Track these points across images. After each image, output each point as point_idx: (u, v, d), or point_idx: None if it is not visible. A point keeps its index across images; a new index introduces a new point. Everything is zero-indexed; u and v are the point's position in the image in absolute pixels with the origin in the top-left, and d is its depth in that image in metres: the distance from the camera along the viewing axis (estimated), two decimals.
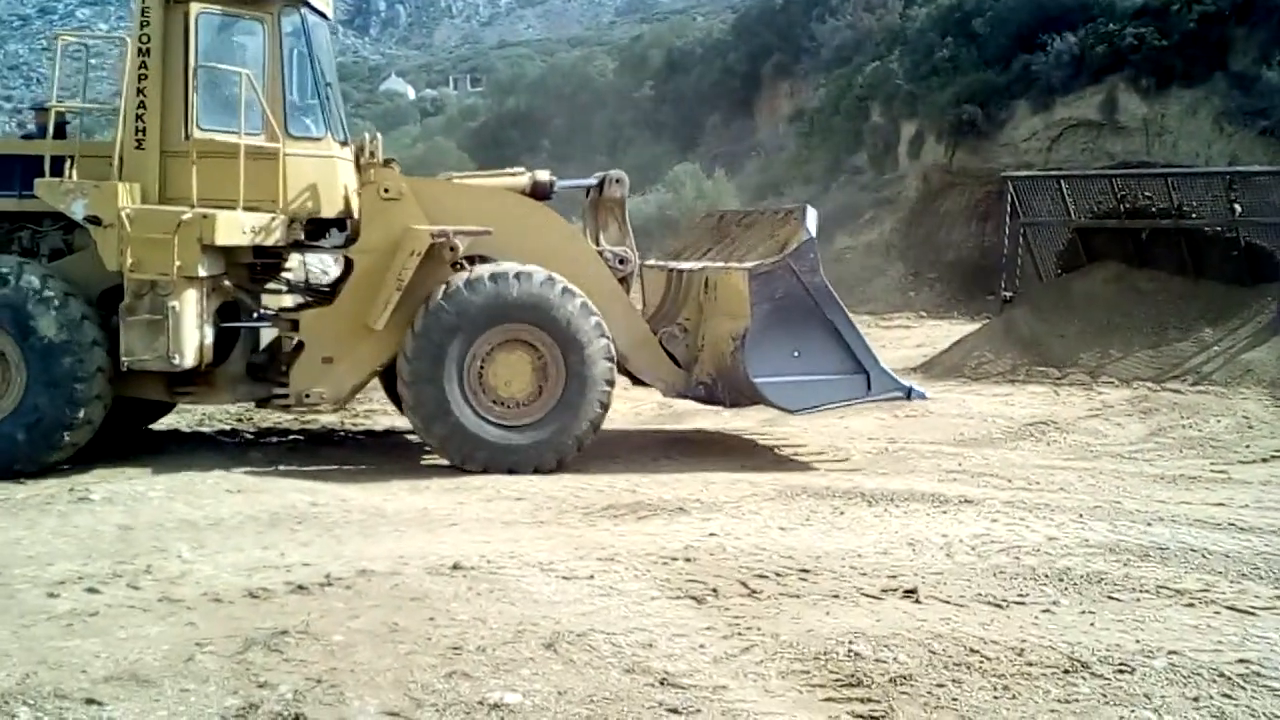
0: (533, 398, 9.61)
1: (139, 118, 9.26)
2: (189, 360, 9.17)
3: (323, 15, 10.38)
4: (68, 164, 9.21)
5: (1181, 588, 6.17)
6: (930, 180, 33.74)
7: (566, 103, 56.33)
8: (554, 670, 4.75)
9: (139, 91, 9.26)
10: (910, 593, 5.96)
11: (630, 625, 5.31)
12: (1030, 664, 4.94)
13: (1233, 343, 16.84)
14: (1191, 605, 5.87)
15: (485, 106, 71.52)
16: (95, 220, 9.03)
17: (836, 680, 4.75)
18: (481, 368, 9.51)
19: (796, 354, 9.76)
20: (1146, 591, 6.10)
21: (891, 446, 10.75)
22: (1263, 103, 27.14)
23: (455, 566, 6.19)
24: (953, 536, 7.19)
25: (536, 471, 9.35)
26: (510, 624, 5.26)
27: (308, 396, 9.58)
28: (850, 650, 5.02)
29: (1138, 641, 5.26)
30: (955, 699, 4.58)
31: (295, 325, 9.71)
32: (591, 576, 6.11)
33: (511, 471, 9.28)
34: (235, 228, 9.22)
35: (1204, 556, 6.86)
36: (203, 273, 9.15)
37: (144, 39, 9.27)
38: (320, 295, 10.37)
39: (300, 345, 9.61)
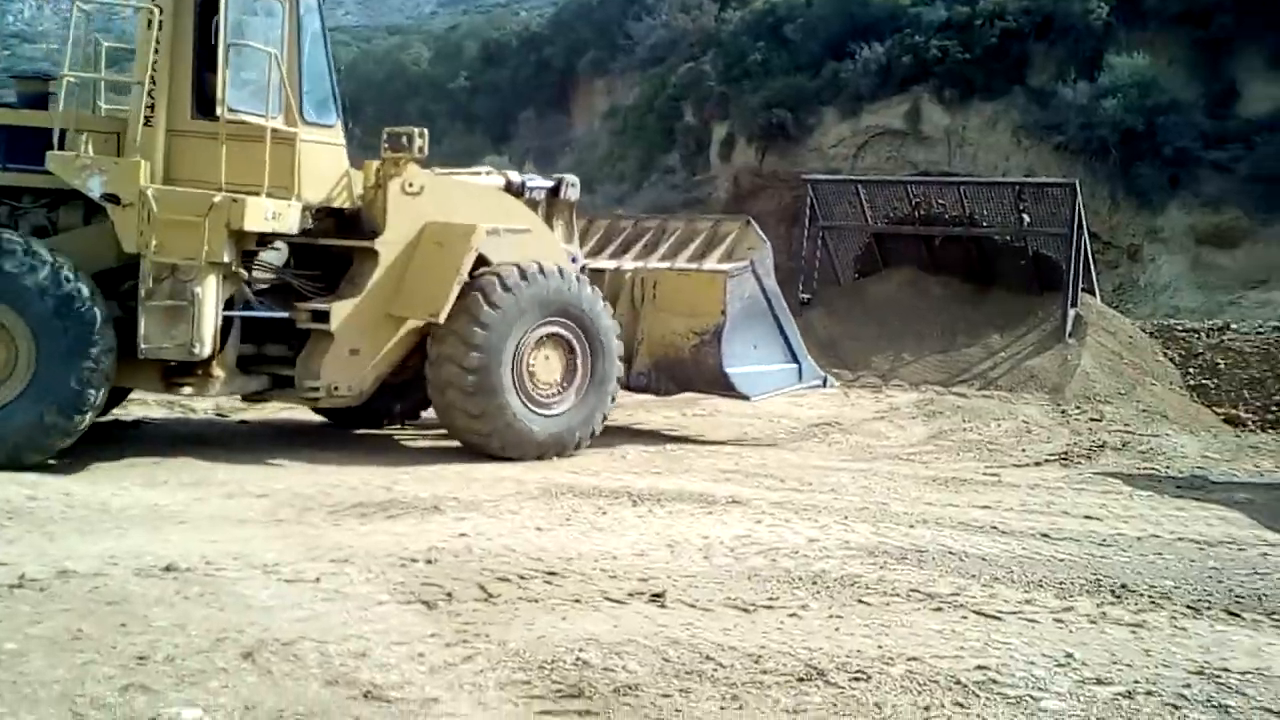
0: (564, 386, 10.07)
1: (149, 94, 8.70)
2: (207, 349, 8.78)
3: None
4: (56, 136, 8.60)
5: (933, 591, 6.05)
6: (740, 182, 33.99)
7: (378, 90, 55.01)
8: (247, 682, 4.30)
9: (150, 66, 8.69)
10: (657, 596, 5.69)
11: (347, 632, 4.89)
12: (765, 672, 4.69)
13: (1019, 349, 17.28)
14: (940, 610, 5.74)
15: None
16: (113, 199, 8.52)
17: (558, 691, 4.42)
18: (530, 359, 9.83)
19: (755, 346, 11.29)
20: (898, 595, 5.95)
21: (671, 446, 10.54)
22: (1058, 118, 28.07)
23: (168, 568, 5.67)
24: (714, 538, 6.98)
25: (558, 456, 9.90)
26: (212, 631, 4.79)
27: (335, 389, 9.46)
28: (578, 659, 4.70)
29: (880, 647, 5.08)
30: (679, 710, 4.29)
31: (319, 316, 9.42)
32: (318, 579, 5.67)
33: (539, 458, 9.76)
34: (260, 213, 8.83)
35: (960, 559, 6.79)
36: (226, 258, 8.79)
37: (156, 11, 8.69)
38: (313, 285, 9.79)
39: (329, 337, 9.38)
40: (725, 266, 11.16)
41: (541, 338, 9.91)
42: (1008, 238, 18.20)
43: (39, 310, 8.15)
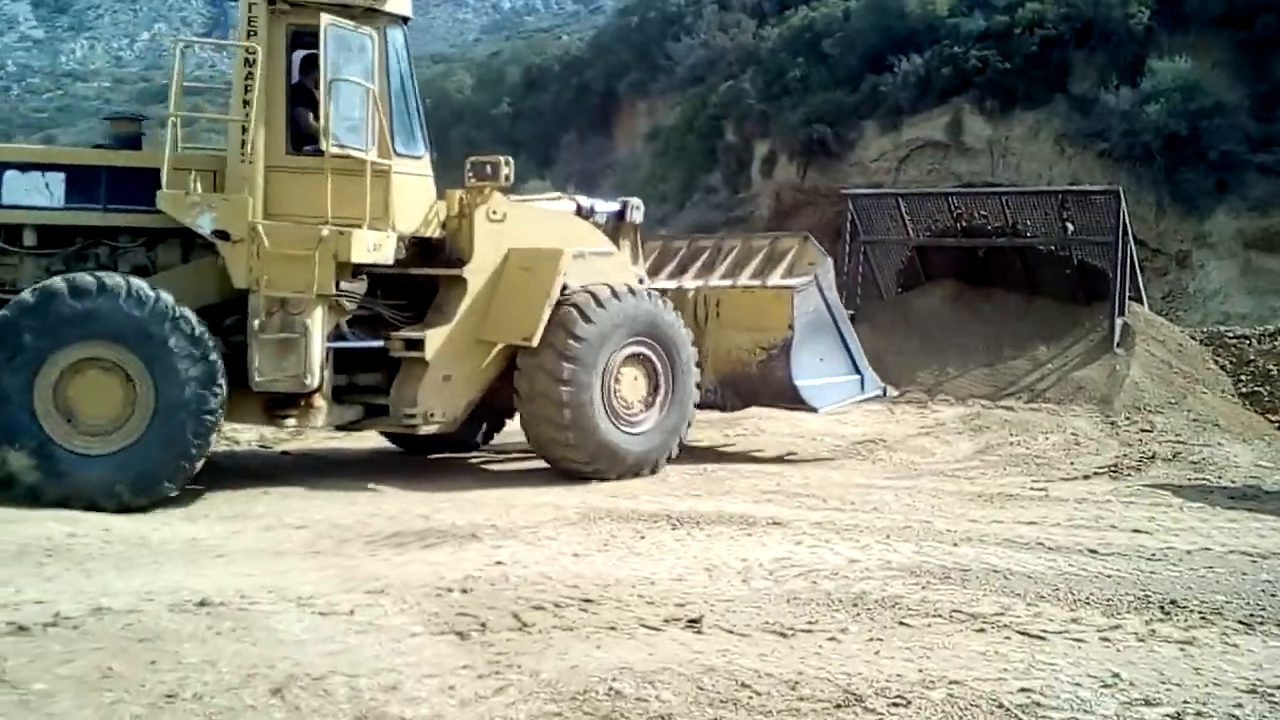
0: (648, 405, 10.32)
1: (244, 130, 8.85)
2: (316, 380, 9.04)
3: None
4: (165, 175, 8.68)
5: (976, 611, 5.93)
6: (782, 199, 33.93)
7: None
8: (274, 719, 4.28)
9: (244, 104, 8.85)
10: (694, 622, 5.61)
11: (379, 666, 4.85)
12: (802, 699, 4.61)
13: (1065, 361, 17.03)
14: (983, 630, 5.62)
15: None
16: (224, 235, 8.75)
17: None
18: (617, 378, 10.08)
19: (821, 359, 11.65)
20: (940, 616, 5.84)
21: (713, 467, 10.47)
22: (1101, 125, 27.81)
23: (202, 603, 5.66)
24: (753, 561, 6.89)
25: (636, 476, 10.09)
26: (243, 667, 4.76)
27: (431, 415, 9.67)
28: (611, 688, 4.63)
29: (920, 671, 4.98)
30: None
31: (413, 344, 9.64)
32: (352, 612, 5.63)
33: (624, 477, 10.00)
34: (364, 246, 9.09)
35: (1005, 578, 6.66)
36: (332, 290, 9.07)
37: (250, 51, 8.89)
38: (401, 314, 9.98)
39: (424, 364, 9.60)
40: (791, 282, 11.56)
41: (628, 357, 10.14)
42: (1052, 247, 17.94)
43: (160, 354, 8.21)
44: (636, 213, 11.73)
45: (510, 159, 9.98)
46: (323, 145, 8.89)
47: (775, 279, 11.80)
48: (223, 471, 9.76)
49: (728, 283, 12.02)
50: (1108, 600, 6.23)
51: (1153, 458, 12.16)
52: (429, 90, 61.37)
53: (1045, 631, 5.62)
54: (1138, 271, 18.49)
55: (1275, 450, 13.18)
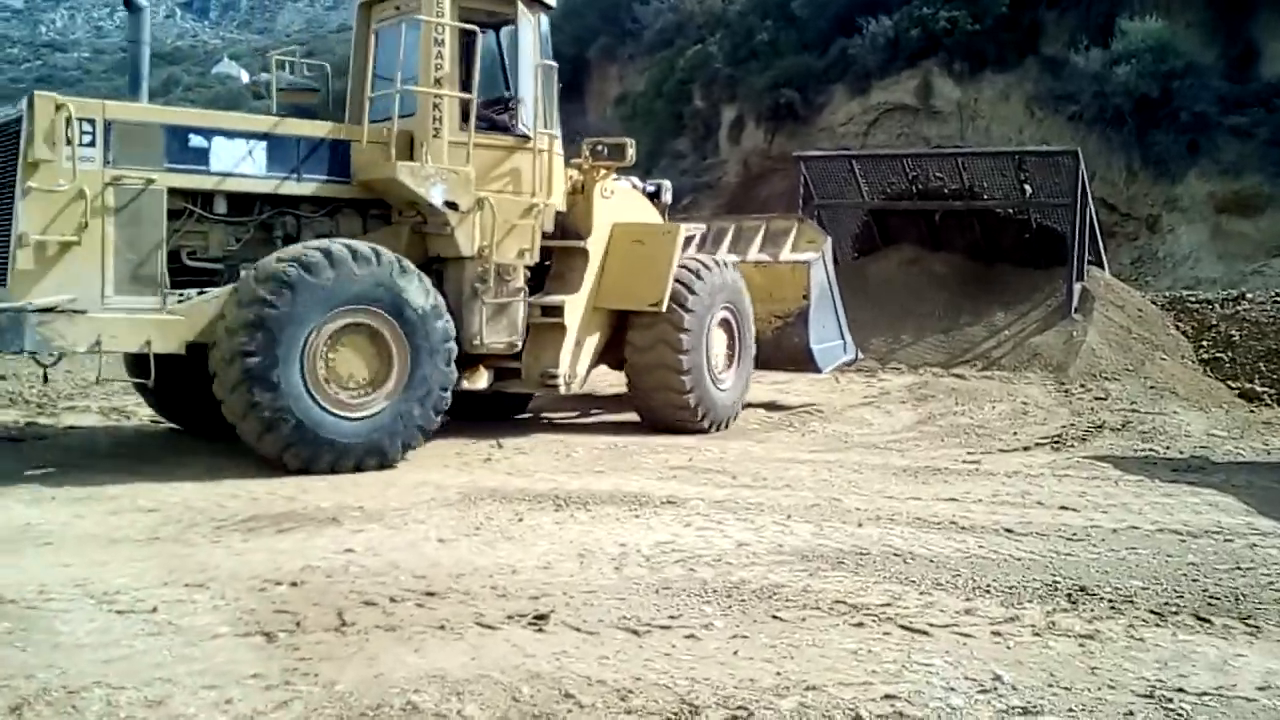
0: (729, 364, 11.59)
1: (435, 107, 9.40)
2: (521, 343, 10.11)
3: None
4: (364, 144, 9.34)
5: (861, 602, 5.35)
6: (750, 165, 33.27)
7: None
8: None
9: (436, 81, 9.40)
10: (541, 619, 5.02)
11: (156, 675, 4.25)
12: (630, 711, 4.02)
13: (1023, 327, 16.52)
14: (861, 625, 5.03)
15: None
16: (453, 205, 9.48)
17: None
18: (712, 340, 11.25)
19: (824, 326, 13.04)
20: (818, 609, 5.25)
21: (625, 441, 9.87)
22: (1072, 87, 27.15)
23: None
24: (632, 545, 6.30)
25: (725, 428, 11.35)
26: None
27: (570, 378, 10.48)
28: (409, 702, 4.03)
29: (778, 674, 4.40)
30: None
31: (551, 311, 10.40)
32: (155, 609, 5.02)
33: (725, 427, 11.35)
34: (551, 218, 10.30)
35: (904, 562, 6.09)
36: (537, 258, 10.20)
37: (439, 30, 9.45)
38: None
39: (562, 329, 10.38)
40: (806, 256, 12.91)
41: (719, 322, 11.39)
42: (1010, 210, 17.38)
43: (412, 317, 8.73)
44: (667, 194, 12.68)
45: (633, 141, 10.97)
46: (523, 126, 9.95)
47: (786, 255, 13.05)
48: (99, 450, 9.16)
49: (737, 258, 12.87)
50: (1010, 588, 5.65)
51: (1100, 427, 11.62)
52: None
53: (931, 625, 5.04)
54: (1098, 235, 17.93)
55: (1231, 419, 12.66)
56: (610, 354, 11.10)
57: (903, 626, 5.02)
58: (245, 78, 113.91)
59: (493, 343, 9.78)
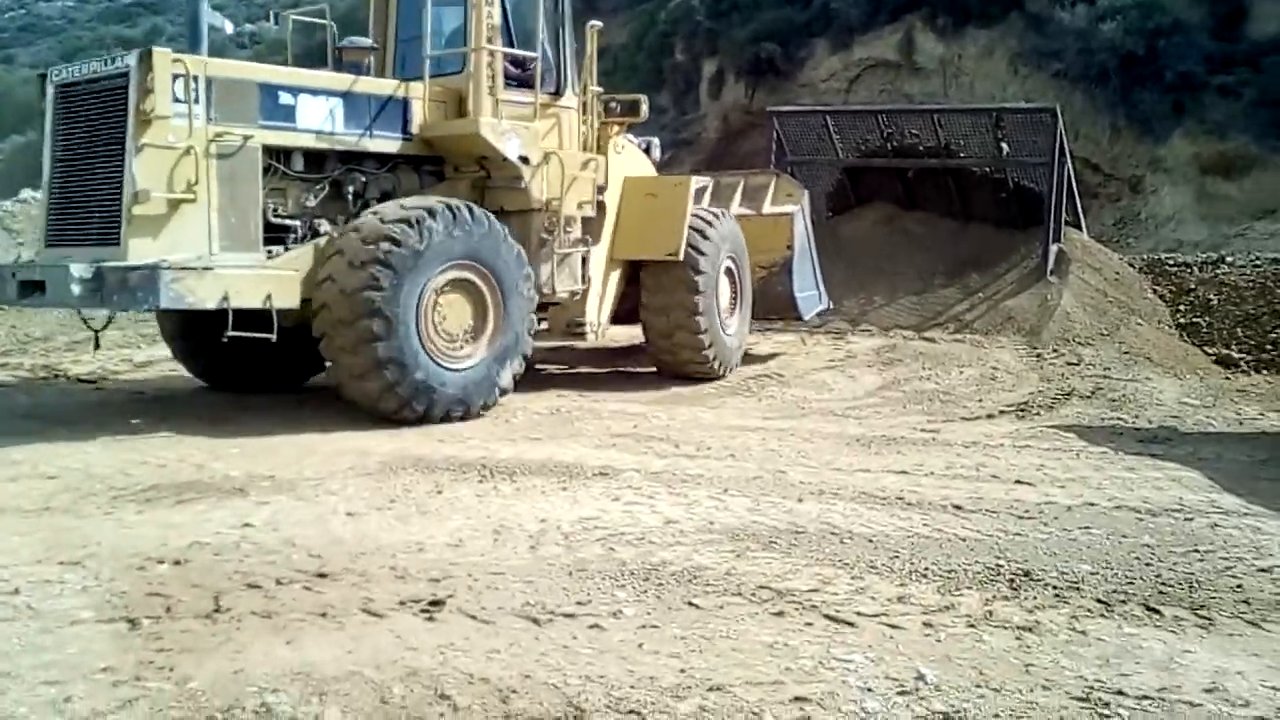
0: (732, 310, 12.12)
1: (489, 65, 9.64)
2: (582, 291, 10.61)
3: None
4: (413, 105, 9.67)
5: (787, 587, 4.96)
6: (730, 121, 32.70)
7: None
8: None
9: (488, 40, 9.61)
10: (435, 605, 4.62)
11: None
12: (509, 716, 3.64)
13: (998, 289, 16.15)
14: (782, 614, 4.64)
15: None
16: (525, 160, 9.87)
17: None
18: (718, 290, 11.72)
19: (804, 276, 13.48)
20: (740, 595, 4.86)
21: (570, 406, 9.46)
22: (1056, 44, 26.66)
23: None
24: (553, 521, 5.91)
25: (730, 372, 11.90)
26: None
27: (596, 326, 10.89)
28: (263, 703, 3.64)
29: (682, 671, 4.02)
30: None
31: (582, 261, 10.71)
32: (16, 590, 4.63)
33: (731, 372, 11.92)
34: (604, 171, 10.85)
35: (840, 542, 5.70)
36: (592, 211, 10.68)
37: None
38: None
39: (588, 280, 10.71)
40: (788, 209, 13.33)
41: (724, 270, 11.81)
42: (987, 169, 16.91)
43: (506, 273, 9.13)
44: (656, 151, 13.00)
45: (646, 98, 11.20)
46: (579, 87, 10.51)
47: (768, 208, 13.43)
48: (18, 409, 8.74)
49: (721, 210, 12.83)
50: (949, 571, 5.26)
51: (1069, 394, 11.24)
52: None
53: (859, 615, 4.65)
54: (1075, 195, 17.50)
55: (1205, 386, 12.28)
56: (620, 305, 11.45)
57: (827, 616, 4.64)
58: (230, 28, 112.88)
59: (561, 291, 10.28)
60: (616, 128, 11.08)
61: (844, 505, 6.43)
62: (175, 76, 8.03)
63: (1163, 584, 5.20)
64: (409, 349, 8.40)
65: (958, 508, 6.49)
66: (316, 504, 6.18)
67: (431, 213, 8.63)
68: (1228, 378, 13.20)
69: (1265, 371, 13.58)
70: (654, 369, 11.92)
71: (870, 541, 5.73)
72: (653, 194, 11.35)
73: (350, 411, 9.02)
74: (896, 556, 5.47)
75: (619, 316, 11.61)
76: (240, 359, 9.61)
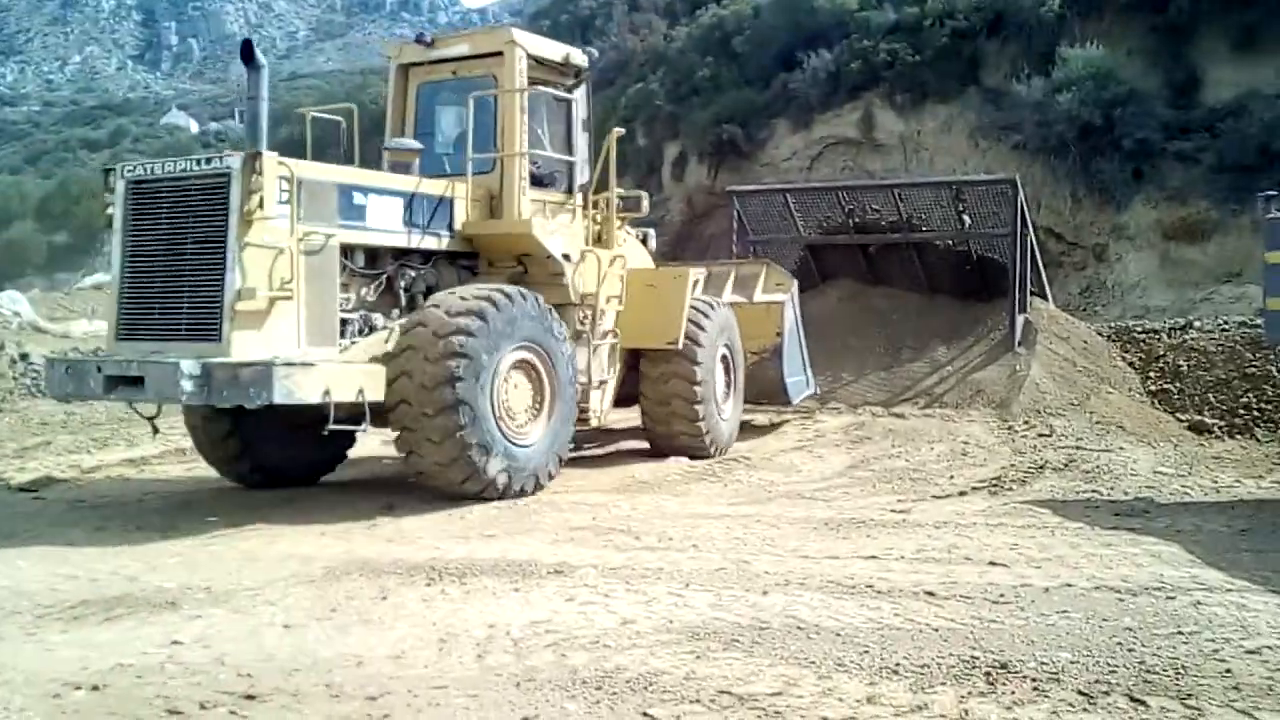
0: (727, 395, 12.47)
1: (519, 167, 10.14)
2: (611, 379, 11.24)
3: None
4: (456, 204, 10.06)
5: (749, 691, 4.64)
6: (694, 203, 32.83)
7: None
8: None
9: (518, 143, 10.10)
10: None
11: None
12: None
13: (966, 362, 15.95)
14: None
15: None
16: (567, 257, 10.46)
17: None
18: (715, 375, 12.08)
19: (793, 361, 13.82)
20: (699, 701, 4.54)
21: (527, 501, 9.13)
22: (1014, 117, 26.94)
23: None
24: (502, 626, 5.58)
25: (724, 454, 12.11)
26: None
27: (599, 414, 11.17)
28: None
29: None
30: None
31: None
32: None
33: (724, 453, 12.13)
34: (626, 267, 11.49)
35: (807, 638, 5.39)
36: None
37: (522, 96, 10.15)
38: None
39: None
40: (779, 297, 13.78)
41: (719, 357, 12.16)
42: (949, 242, 16.83)
43: (555, 352, 9.59)
44: (651, 241, 13.31)
45: (648, 194, 11.76)
46: (606, 192, 11.00)
47: (759, 296, 13.77)
48: None
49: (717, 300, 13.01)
50: (922, 666, 4.96)
51: (1042, 468, 11.01)
52: (354, 100, 60.37)
53: None
54: (1039, 265, 17.42)
55: (1180, 454, 12.07)
56: (620, 390, 11.71)
57: None
58: (195, 127, 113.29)
59: (596, 379, 10.78)
60: (619, 221, 11.33)
61: (811, 596, 6.13)
62: (287, 180, 8.36)
63: (1147, 671, 4.91)
64: (490, 432, 8.82)
65: (930, 594, 6.19)
66: (252, 616, 5.83)
67: (494, 301, 8.97)
68: (1202, 444, 13.02)
69: (1239, 437, 13.41)
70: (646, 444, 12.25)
71: (838, 636, 5.42)
72: (653, 285, 11.67)
73: (303, 512, 8.71)
74: (866, 652, 5.17)
75: (616, 400, 11.71)
76: (286, 456, 9.96)
